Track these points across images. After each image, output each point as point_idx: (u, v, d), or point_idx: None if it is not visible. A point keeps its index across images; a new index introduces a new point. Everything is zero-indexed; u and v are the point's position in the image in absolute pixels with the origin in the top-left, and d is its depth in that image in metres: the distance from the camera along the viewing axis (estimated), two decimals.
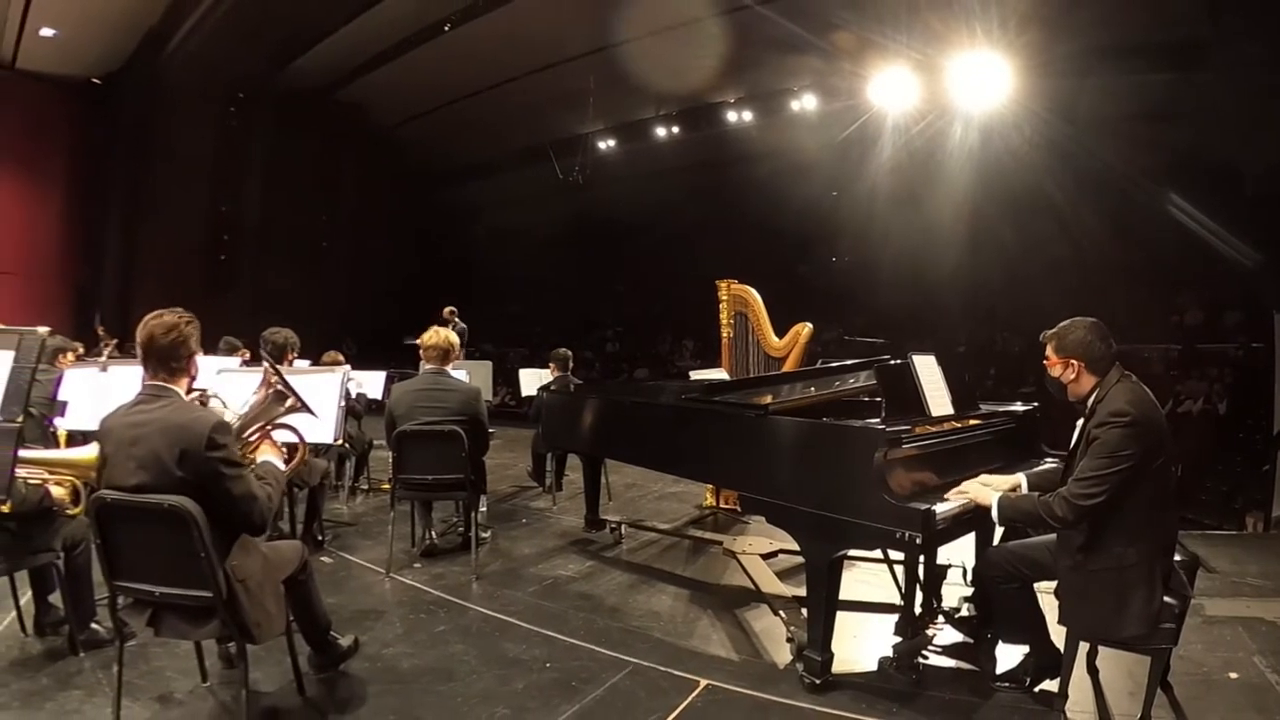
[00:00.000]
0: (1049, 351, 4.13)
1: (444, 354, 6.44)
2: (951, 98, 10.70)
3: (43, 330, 2.72)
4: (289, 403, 4.03)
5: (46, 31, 13.92)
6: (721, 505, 8.55)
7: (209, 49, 15.80)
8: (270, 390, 4.01)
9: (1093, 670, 4.54)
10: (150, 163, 17.89)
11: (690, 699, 4.31)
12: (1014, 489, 4.30)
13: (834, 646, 4.48)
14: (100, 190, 17.58)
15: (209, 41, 15.54)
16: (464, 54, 16.72)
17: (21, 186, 16.45)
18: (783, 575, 6.12)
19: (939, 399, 4.69)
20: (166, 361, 3.61)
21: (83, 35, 14.36)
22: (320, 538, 7.06)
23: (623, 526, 7.59)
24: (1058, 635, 4.14)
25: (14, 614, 5.00)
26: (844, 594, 4.75)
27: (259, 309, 12.31)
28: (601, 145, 20.20)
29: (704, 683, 4.48)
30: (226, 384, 5.52)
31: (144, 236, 18.06)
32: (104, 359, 6.92)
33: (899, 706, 4.22)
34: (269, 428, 4.06)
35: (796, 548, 4.71)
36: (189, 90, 17.29)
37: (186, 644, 4.49)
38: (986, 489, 4.23)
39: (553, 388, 8.54)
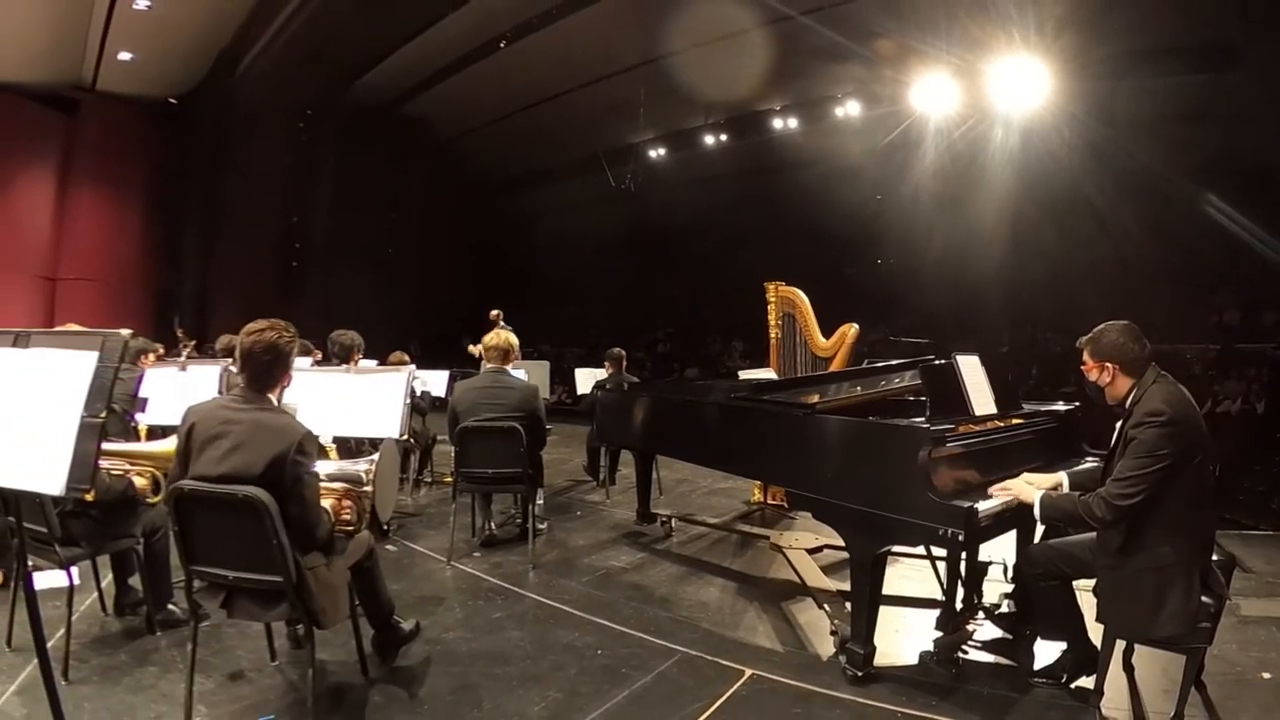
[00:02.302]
0: (1085, 356, 4.06)
1: (504, 354, 6.50)
2: (991, 101, 10.54)
3: (125, 332, 2.78)
4: (368, 489, 4.03)
5: (124, 55, 14.26)
6: (769, 501, 8.50)
7: (278, 69, 16.08)
8: (371, 470, 4.02)
9: (1128, 668, 4.43)
10: (225, 176, 18.25)
11: (735, 687, 4.30)
12: (1055, 487, 4.22)
13: (876, 640, 4.43)
14: (178, 202, 17.97)
15: (278, 62, 15.82)
16: (520, 69, 16.83)
17: (104, 199, 16.86)
18: (827, 570, 6.07)
19: (982, 398, 4.63)
20: (261, 377, 3.67)
21: (158, 58, 14.69)
22: (385, 527, 7.15)
23: (673, 520, 7.58)
24: (1095, 633, 4.05)
25: (95, 594, 5.14)
26: (887, 589, 4.69)
27: (328, 312, 12.50)
28: (652, 154, 20.22)
29: (749, 672, 4.46)
30: (296, 383, 5.62)
31: (220, 245, 18.44)
32: (183, 359, 7.07)
33: (938, 700, 4.16)
34: (345, 491, 4.06)
35: (841, 543, 4.67)
36: (260, 108, 17.60)
37: (257, 625, 4.60)
38: (1029, 487, 4.16)
39: (607, 385, 8.56)
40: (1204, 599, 3.69)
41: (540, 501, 7.49)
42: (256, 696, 4.10)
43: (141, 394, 5.61)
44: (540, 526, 7.32)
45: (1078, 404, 5.33)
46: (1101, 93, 10.55)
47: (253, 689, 4.18)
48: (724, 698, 4.18)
